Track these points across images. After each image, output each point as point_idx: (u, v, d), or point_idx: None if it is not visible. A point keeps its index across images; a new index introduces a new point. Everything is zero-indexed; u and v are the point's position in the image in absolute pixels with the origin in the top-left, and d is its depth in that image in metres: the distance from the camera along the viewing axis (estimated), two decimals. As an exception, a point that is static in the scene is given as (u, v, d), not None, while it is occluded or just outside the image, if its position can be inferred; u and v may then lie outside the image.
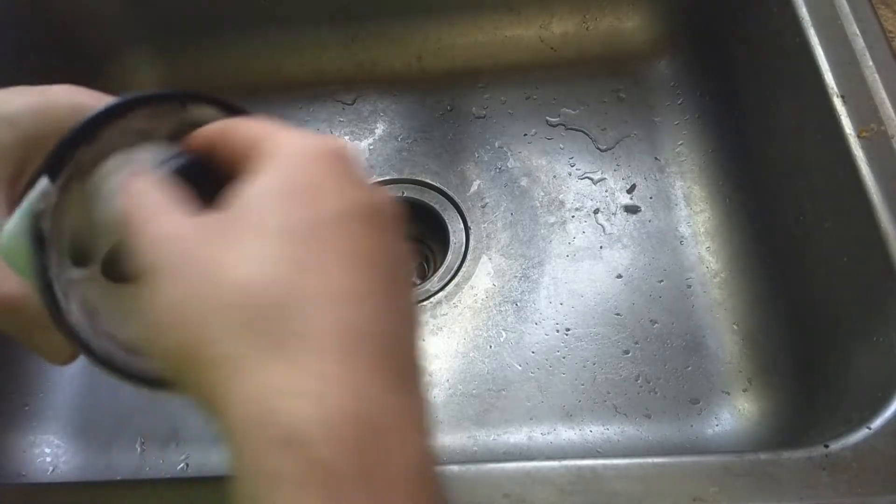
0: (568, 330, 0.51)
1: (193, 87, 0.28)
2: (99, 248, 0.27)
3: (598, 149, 0.59)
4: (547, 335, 0.51)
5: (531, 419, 0.49)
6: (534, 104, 0.61)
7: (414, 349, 0.22)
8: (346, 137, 0.61)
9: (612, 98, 0.61)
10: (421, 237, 0.59)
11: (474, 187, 0.58)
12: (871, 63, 0.45)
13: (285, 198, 0.22)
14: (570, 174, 0.58)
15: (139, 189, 0.25)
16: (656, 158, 0.58)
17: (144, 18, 0.62)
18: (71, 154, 0.26)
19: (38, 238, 0.25)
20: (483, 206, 0.57)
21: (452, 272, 0.54)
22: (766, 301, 0.50)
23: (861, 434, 0.34)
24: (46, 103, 0.30)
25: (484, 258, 0.55)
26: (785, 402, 0.47)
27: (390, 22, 0.63)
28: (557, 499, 0.33)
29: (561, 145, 0.59)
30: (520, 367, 0.50)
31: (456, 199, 0.57)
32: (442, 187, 0.58)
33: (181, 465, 0.49)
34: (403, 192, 0.58)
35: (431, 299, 0.53)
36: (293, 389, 0.19)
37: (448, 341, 0.52)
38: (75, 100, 0.30)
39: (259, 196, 0.22)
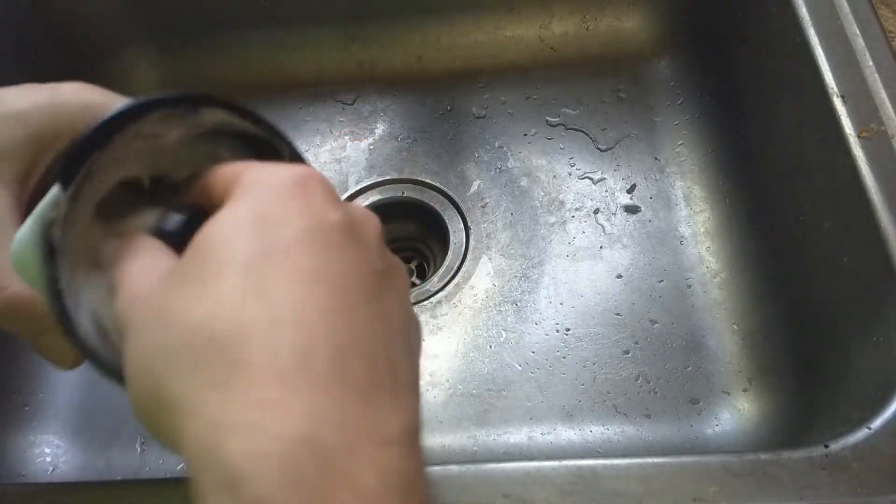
0: (568, 330, 0.51)
1: (193, 87, 0.27)
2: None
3: (598, 149, 0.59)
4: (547, 335, 0.51)
5: (531, 419, 0.49)
6: (534, 104, 0.61)
7: (395, 358, 0.22)
8: (346, 137, 0.61)
9: (612, 98, 0.61)
10: (421, 237, 0.59)
11: (474, 187, 0.58)
12: (871, 63, 0.44)
13: (244, 228, 0.22)
14: (570, 174, 0.58)
15: (126, 256, 0.25)
16: (656, 158, 0.58)
17: (144, 18, 0.62)
18: (84, 161, 0.25)
19: (49, 247, 0.25)
20: (483, 206, 0.57)
21: (452, 272, 0.54)
22: (765, 301, 0.50)
23: (861, 434, 0.34)
24: (56, 101, 0.29)
25: (484, 258, 0.55)
26: (785, 402, 0.47)
27: (390, 22, 0.63)
28: (557, 499, 0.33)
29: (561, 145, 0.59)
30: (520, 367, 0.50)
31: (456, 199, 0.57)
32: (442, 187, 0.58)
33: (181, 464, 0.49)
34: (403, 192, 0.58)
35: (431, 299, 0.53)
36: (232, 423, 0.19)
37: (448, 341, 0.52)
38: (85, 98, 0.30)
39: (221, 230, 0.22)
